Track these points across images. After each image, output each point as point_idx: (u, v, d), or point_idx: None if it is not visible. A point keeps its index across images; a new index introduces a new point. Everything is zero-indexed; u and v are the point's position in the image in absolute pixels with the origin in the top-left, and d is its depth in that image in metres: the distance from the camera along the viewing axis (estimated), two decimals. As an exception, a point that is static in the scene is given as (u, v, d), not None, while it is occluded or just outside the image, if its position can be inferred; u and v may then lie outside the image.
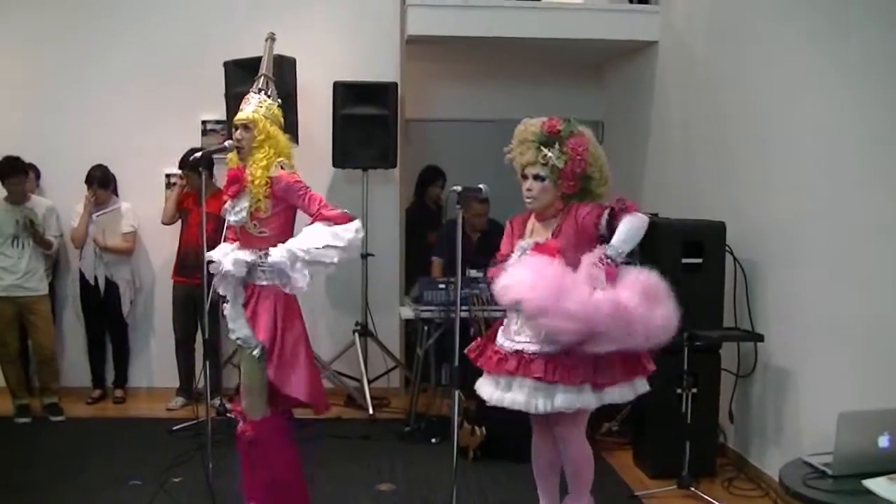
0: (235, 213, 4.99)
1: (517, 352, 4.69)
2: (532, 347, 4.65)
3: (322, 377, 8.25)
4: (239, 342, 5.03)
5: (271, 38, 5.48)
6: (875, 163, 5.17)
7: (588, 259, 4.53)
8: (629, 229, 4.57)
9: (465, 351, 4.90)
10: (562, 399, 4.60)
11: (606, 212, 4.64)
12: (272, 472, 5.08)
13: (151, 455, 6.68)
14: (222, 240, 5.13)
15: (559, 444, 4.94)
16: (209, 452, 5.01)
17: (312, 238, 4.79)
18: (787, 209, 6.09)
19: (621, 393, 4.74)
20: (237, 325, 5.02)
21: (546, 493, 5.17)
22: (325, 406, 5.31)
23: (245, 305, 5.01)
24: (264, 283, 4.97)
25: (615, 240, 4.55)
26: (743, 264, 6.45)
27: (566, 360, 4.57)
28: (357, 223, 4.83)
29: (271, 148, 4.96)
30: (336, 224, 4.80)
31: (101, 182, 8.04)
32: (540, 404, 4.61)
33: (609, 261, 4.49)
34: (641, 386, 4.83)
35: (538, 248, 4.72)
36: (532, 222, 4.92)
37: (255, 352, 4.91)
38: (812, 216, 5.79)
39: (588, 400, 4.63)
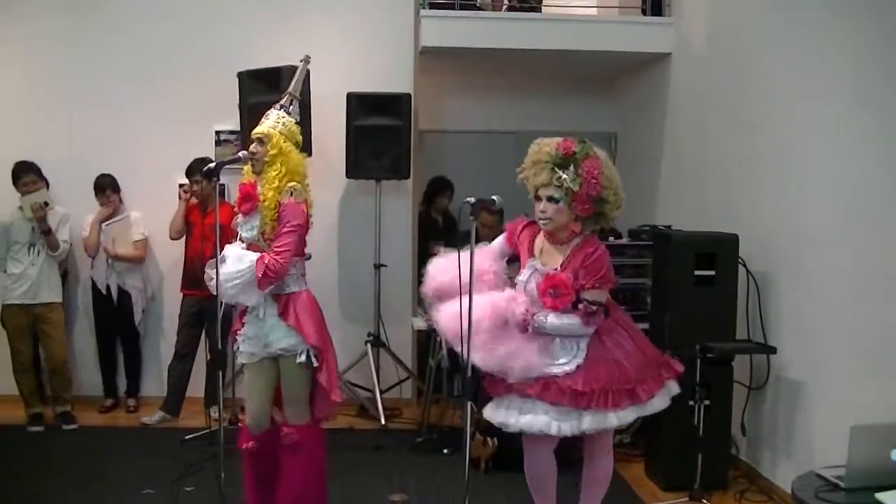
0: (248, 230, 5.04)
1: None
2: (554, 370, 4.66)
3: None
4: (280, 352, 5.05)
5: (306, 60, 5.55)
6: (890, 174, 5.16)
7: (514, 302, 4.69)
8: (564, 327, 4.68)
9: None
10: (589, 421, 4.61)
11: (582, 295, 4.67)
12: (305, 480, 5.10)
13: (164, 464, 6.69)
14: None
15: (589, 460, 5.01)
16: (221, 462, 5.02)
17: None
18: (800, 221, 6.09)
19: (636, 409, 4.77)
20: (276, 337, 5.04)
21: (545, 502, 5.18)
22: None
23: (282, 315, 5.02)
24: (295, 289, 5.05)
25: (550, 320, 4.66)
26: (756, 276, 6.44)
27: (593, 383, 4.61)
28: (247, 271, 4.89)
29: (283, 165, 4.98)
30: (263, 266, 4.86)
31: (113, 187, 8.12)
32: (566, 427, 4.62)
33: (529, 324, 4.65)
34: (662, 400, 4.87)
35: (549, 279, 4.70)
36: (541, 240, 4.89)
37: (302, 357, 4.96)
38: (825, 228, 5.78)
39: (612, 420, 4.66)
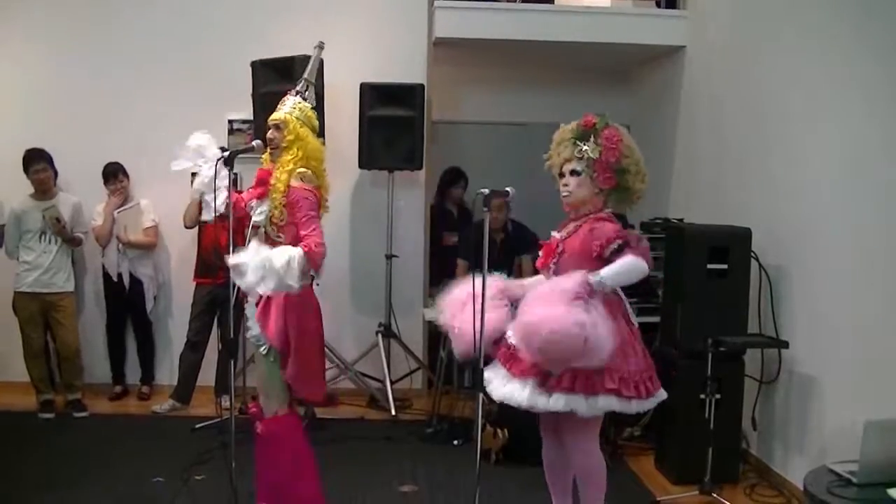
0: (258, 213, 5.03)
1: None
2: None
3: (345, 378, 8.31)
4: (253, 340, 5.06)
5: (320, 46, 5.55)
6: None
7: (571, 280, 4.48)
8: (623, 269, 4.54)
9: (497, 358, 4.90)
10: (556, 399, 4.56)
11: (616, 243, 4.59)
12: (280, 471, 5.08)
13: (174, 453, 6.70)
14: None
15: (567, 452, 4.92)
16: (232, 450, 5.02)
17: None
18: (813, 216, 6.07)
19: (620, 404, 4.61)
20: (252, 324, 5.06)
21: (558, 495, 5.17)
22: (324, 399, 5.29)
23: (257, 304, 5.04)
24: None
25: (605, 272, 4.52)
26: (768, 270, 6.43)
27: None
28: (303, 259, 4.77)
29: (300, 150, 5.00)
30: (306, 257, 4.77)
31: (124, 171, 8.19)
32: (540, 402, 4.58)
33: (590, 288, 4.44)
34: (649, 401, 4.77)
35: (545, 245, 4.82)
36: (568, 220, 4.93)
37: (263, 349, 4.96)
38: (838, 223, 5.77)
39: (579, 404, 4.54)
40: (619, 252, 4.57)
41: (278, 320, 4.93)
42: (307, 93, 5.25)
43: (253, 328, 5.04)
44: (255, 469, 5.26)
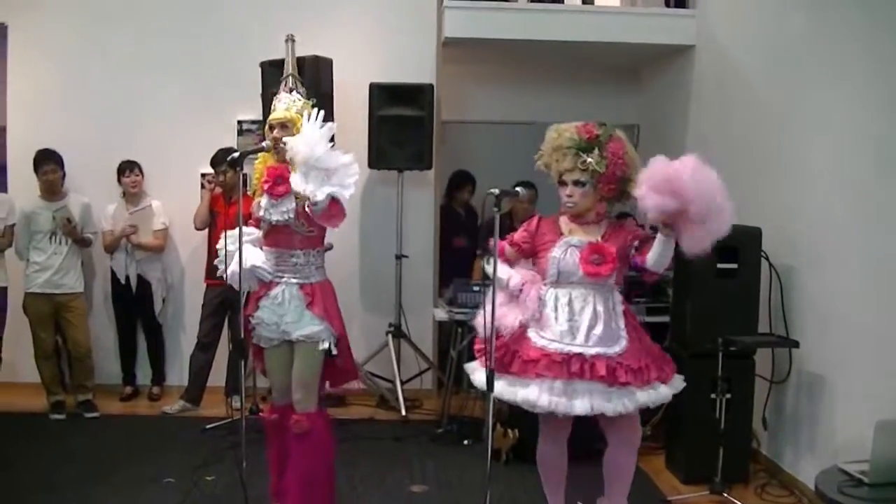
0: (280, 213, 4.96)
1: (577, 355, 4.66)
2: (592, 350, 4.66)
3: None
4: (301, 339, 5.05)
5: (291, 39, 5.56)
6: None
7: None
8: (661, 251, 4.71)
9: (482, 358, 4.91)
10: (642, 396, 4.68)
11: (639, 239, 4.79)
12: (313, 467, 5.09)
13: (185, 453, 6.71)
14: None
15: (622, 449, 4.97)
16: (243, 451, 5.03)
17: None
18: (823, 215, 6.05)
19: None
20: (297, 325, 5.03)
21: (554, 495, 5.22)
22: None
23: (310, 305, 5.04)
24: (319, 279, 5.12)
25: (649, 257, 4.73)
26: (778, 270, 6.41)
27: (629, 361, 4.67)
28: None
29: None
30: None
31: (140, 167, 8.19)
32: (620, 405, 4.63)
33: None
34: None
35: (594, 246, 4.76)
36: (566, 223, 4.94)
37: (325, 345, 4.99)
38: (849, 222, 5.75)
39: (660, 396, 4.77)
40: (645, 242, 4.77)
41: (336, 310, 5.13)
42: (298, 88, 5.28)
43: (304, 328, 5.03)
44: (271, 471, 5.29)
